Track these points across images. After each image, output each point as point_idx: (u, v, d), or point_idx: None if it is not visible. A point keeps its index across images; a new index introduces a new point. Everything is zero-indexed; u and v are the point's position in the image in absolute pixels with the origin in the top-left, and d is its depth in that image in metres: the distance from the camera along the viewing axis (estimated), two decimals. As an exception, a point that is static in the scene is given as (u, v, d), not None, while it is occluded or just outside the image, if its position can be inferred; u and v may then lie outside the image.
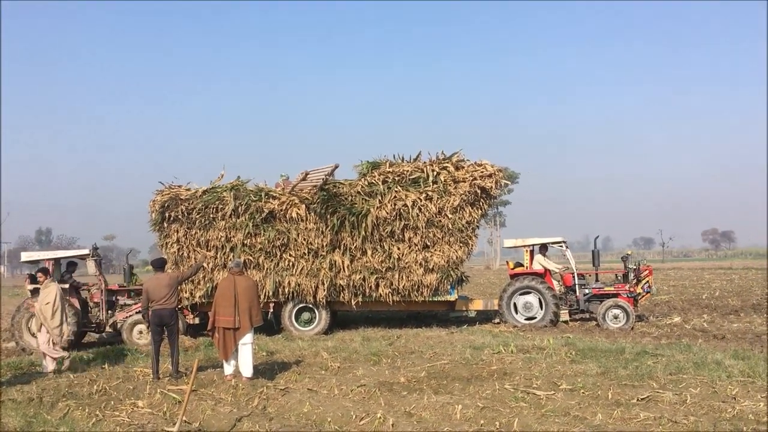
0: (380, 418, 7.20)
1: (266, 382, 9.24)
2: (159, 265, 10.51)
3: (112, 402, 8.35)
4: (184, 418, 7.10)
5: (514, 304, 15.69)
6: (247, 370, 9.48)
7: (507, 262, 17.59)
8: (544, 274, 15.92)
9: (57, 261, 14.70)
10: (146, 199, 15.23)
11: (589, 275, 16.98)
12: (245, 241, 14.86)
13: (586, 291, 15.95)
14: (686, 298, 22.69)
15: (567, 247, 16.35)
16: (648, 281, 15.84)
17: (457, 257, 15.02)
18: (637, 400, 7.75)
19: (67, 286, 14.19)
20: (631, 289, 15.65)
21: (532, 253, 16.20)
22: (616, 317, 15.02)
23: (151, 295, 9.98)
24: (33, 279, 14.66)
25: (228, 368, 9.63)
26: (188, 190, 15.21)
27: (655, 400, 7.77)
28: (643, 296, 15.88)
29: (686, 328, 14.84)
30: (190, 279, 11.44)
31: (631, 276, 15.92)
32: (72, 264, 15.20)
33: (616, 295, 15.58)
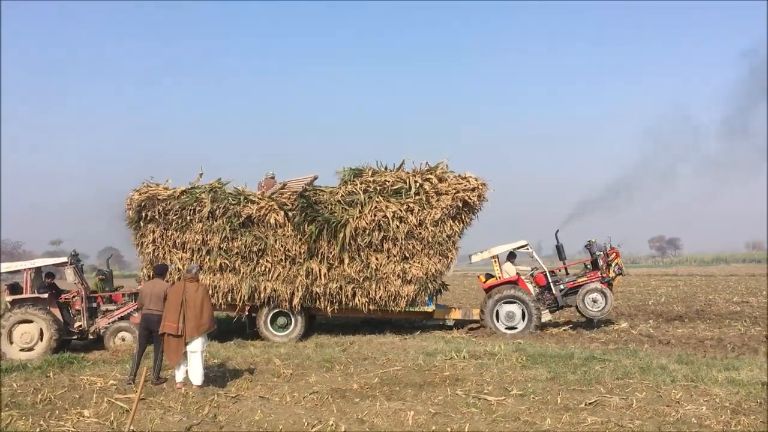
0: (332, 425, 7.19)
1: (217, 390, 9.12)
2: (159, 271, 10.49)
3: (57, 411, 8.13)
4: (132, 428, 6.98)
5: (497, 313, 15.55)
6: (196, 378, 9.32)
7: (479, 277, 17.27)
8: (517, 280, 15.91)
9: (38, 270, 14.78)
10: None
11: (559, 270, 16.95)
12: (222, 245, 14.68)
13: (561, 286, 16.04)
14: (633, 304, 23.24)
15: (532, 248, 16.37)
16: (617, 263, 15.99)
17: (435, 270, 14.92)
18: (585, 404, 7.92)
19: (46, 295, 14.03)
20: (604, 275, 15.81)
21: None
22: (595, 301, 15.20)
23: (143, 299, 10.05)
24: (12, 289, 14.34)
25: (178, 375, 9.48)
26: (166, 189, 14.96)
27: (603, 404, 7.95)
28: (616, 278, 16.02)
29: (633, 334, 15.20)
30: None
31: (600, 262, 16.04)
32: (49, 275, 15.13)
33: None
